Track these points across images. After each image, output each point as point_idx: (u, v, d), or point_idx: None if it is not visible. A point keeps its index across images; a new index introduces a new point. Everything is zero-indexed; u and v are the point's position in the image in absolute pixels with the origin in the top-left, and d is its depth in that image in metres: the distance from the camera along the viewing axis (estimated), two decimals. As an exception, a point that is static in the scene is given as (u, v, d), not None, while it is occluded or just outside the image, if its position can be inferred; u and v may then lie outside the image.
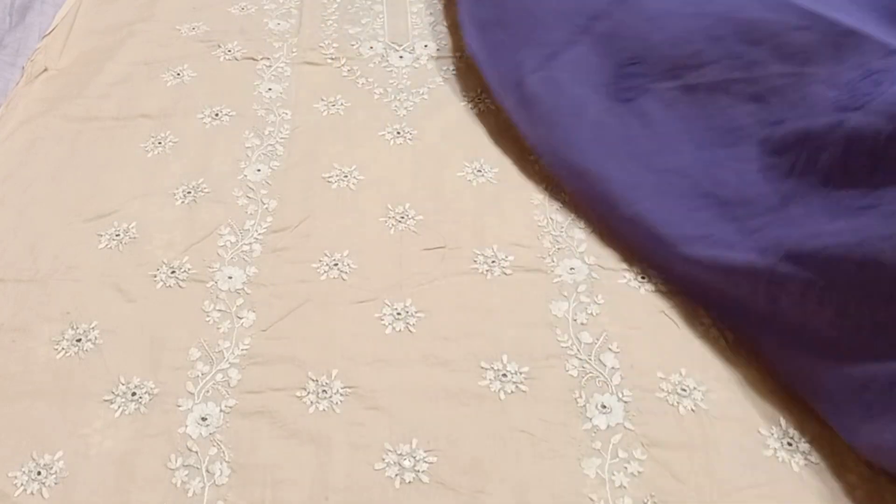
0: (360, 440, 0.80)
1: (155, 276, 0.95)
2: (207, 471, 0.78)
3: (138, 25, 1.34)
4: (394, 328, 0.90)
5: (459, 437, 0.80)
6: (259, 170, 1.08)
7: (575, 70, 1.10)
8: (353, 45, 1.31)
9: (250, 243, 0.99)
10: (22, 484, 0.77)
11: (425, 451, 0.79)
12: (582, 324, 0.89)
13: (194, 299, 0.92)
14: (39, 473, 0.78)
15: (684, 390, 0.83)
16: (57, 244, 0.98)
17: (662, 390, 0.83)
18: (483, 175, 1.07)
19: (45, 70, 1.24)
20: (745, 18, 0.99)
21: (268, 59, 1.27)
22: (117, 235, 0.99)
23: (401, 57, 1.28)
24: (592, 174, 1.00)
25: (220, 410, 0.82)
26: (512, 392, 0.84)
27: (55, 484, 0.77)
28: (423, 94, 1.21)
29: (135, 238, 0.99)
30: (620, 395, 0.83)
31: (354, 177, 1.07)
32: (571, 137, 1.04)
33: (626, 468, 0.77)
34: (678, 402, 0.82)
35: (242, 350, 0.88)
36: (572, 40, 1.12)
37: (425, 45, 1.30)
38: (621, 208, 0.97)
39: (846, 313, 0.78)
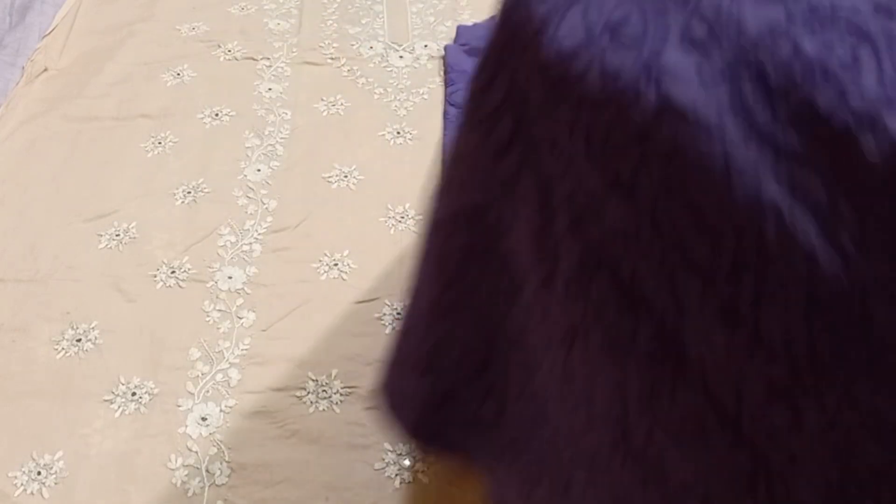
0: (360, 440, 0.80)
1: (155, 276, 0.95)
2: (207, 471, 0.78)
3: (138, 25, 1.34)
4: (394, 328, 0.89)
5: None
6: (259, 170, 1.08)
7: None
8: (353, 45, 1.31)
9: (250, 243, 0.99)
10: (22, 484, 0.77)
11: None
12: (582, 324, 0.89)
13: (194, 299, 0.92)
14: (39, 473, 0.78)
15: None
16: (57, 244, 0.98)
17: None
18: (483, 175, 1.07)
19: (45, 70, 1.24)
20: None
21: (268, 59, 1.27)
22: (117, 235, 0.99)
23: (401, 57, 1.28)
24: None
25: (220, 410, 0.82)
26: (512, 392, 0.83)
27: (55, 484, 0.77)
28: (423, 94, 1.21)
29: (135, 238, 0.99)
30: (620, 395, 0.83)
31: (354, 177, 1.07)
32: None
33: (625, 468, 0.77)
34: (678, 402, 0.82)
35: (242, 350, 0.88)
36: None
37: (425, 45, 1.30)
38: None
39: None
